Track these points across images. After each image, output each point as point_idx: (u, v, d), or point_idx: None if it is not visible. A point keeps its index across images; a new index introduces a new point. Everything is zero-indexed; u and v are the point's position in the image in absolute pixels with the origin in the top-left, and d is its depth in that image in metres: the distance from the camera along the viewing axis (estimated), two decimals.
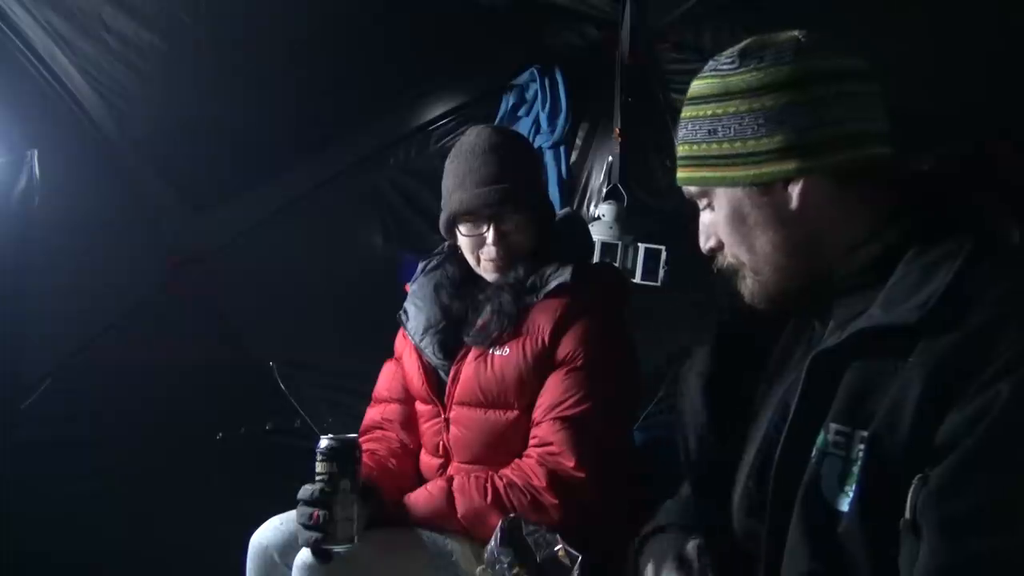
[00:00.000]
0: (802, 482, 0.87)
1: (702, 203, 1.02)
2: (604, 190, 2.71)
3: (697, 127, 0.98)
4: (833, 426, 0.86)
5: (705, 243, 1.04)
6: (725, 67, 0.96)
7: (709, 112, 0.97)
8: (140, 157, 2.52)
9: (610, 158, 2.69)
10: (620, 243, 2.42)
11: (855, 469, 0.83)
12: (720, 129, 0.95)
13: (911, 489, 0.78)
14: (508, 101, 2.90)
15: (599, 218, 2.50)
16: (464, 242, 1.66)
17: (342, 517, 1.36)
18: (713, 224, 1.01)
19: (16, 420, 2.35)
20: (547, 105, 2.81)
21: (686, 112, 1.00)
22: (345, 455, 1.38)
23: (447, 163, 1.69)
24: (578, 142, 2.96)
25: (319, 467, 1.37)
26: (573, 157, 2.94)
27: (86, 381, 2.46)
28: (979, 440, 0.75)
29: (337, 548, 1.37)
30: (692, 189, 1.02)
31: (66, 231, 2.37)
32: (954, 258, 0.84)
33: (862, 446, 0.82)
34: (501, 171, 1.61)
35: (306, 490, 1.38)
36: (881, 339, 0.84)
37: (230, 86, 2.45)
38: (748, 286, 1.00)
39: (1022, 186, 0.91)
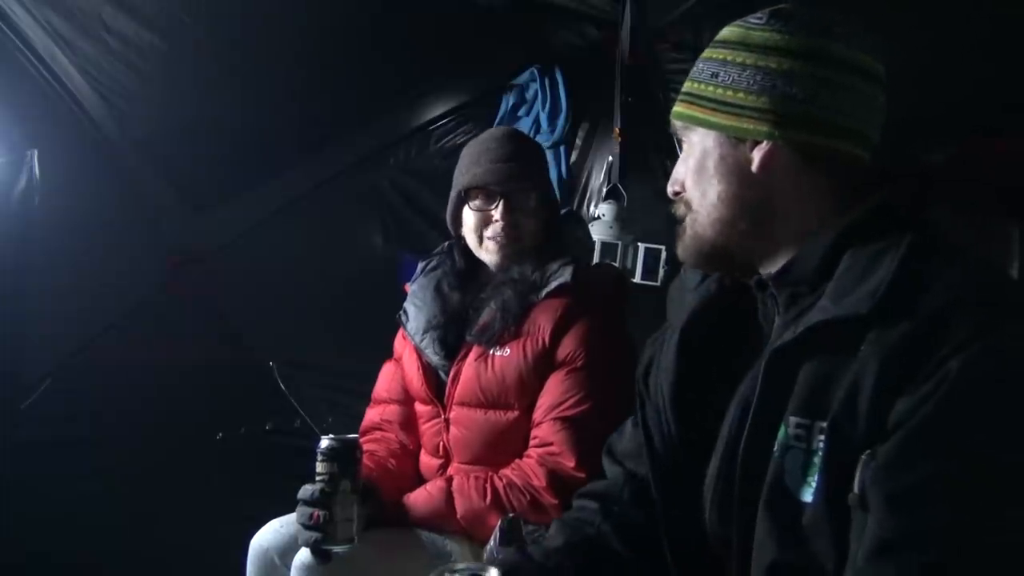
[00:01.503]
0: (766, 477, 0.88)
1: (683, 142, 1.04)
2: (604, 190, 2.71)
3: (705, 67, 1.00)
4: (793, 419, 0.87)
5: (671, 186, 1.05)
6: (753, 20, 0.98)
7: (720, 56, 0.99)
8: (140, 157, 2.52)
9: (610, 158, 2.69)
10: (620, 243, 2.42)
11: (816, 460, 0.84)
12: (722, 74, 0.98)
13: (860, 464, 0.79)
14: (508, 101, 2.90)
15: (599, 218, 2.50)
16: (470, 220, 1.66)
17: (342, 518, 1.36)
18: (683, 166, 1.03)
19: (16, 420, 2.35)
20: (547, 105, 2.81)
21: (704, 52, 1.02)
22: (346, 455, 1.37)
23: (463, 152, 1.73)
24: (578, 142, 2.96)
25: (319, 467, 1.37)
26: (573, 157, 2.94)
27: (86, 381, 2.47)
28: (927, 416, 0.76)
29: (337, 548, 1.37)
30: (677, 124, 1.03)
31: (66, 231, 2.37)
32: (896, 248, 0.85)
33: (822, 437, 0.83)
34: (515, 153, 1.66)
35: (306, 490, 1.38)
36: (834, 331, 0.85)
37: (230, 86, 2.45)
38: (683, 238, 1.02)
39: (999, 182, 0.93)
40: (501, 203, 1.62)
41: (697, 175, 1.00)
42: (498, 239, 1.63)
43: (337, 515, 1.35)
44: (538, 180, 1.70)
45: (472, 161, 1.67)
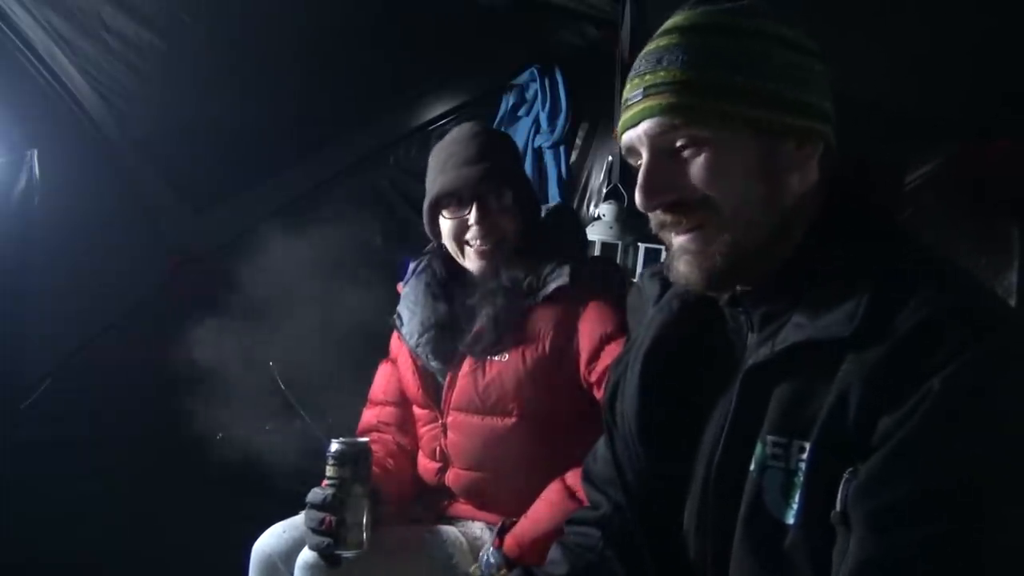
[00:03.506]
0: (743, 497, 0.86)
1: (678, 140, 0.89)
2: (604, 190, 2.71)
3: (712, 55, 0.88)
4: (770, 438, 0.85)
5: (659, 195, 0.91)
6: (748, 13, 0.91)
7: (730, 44, 0.89)
8: (140, 157, 2.52)
9: (610, 158, 2.69)
10: (620, 243, 2.42)
11: (797, 480, 0.82)
12: (747, 66, 0.87)
13: (842, 482, 0.78)
14: (508, 101, 2.90)
15: (599, 218, 2.50)
16: (447, 228, 1.61)
17: (353, 522, 1.34)
18: (682, 169, 0.90)
19: (16, 420, 2.35)
20: (547, 105, 2.82)
21: (684, 38, 0.90)
22: (358, 460, 1.36)
23: (430, 158, 1.67)
24: (578, 142, 2.96)
25: (330, 471, 1.35)
26: (573, 157, 2.94)
27: (86, 381, 2.46)
28: (909, 433, 0.75)
29: (347, 553, 1.35)
30: (675, 122, 0.88)
31: (66, 231, 2.37)
32: (873, 263, 0.84)
33: (802, 456, 0.82)
34: (482, 152, 1.58)
35: (317, 494, 1.36)
36: (812, 351, 0.83)
37: (230, 86, 2.45)
38: (695, 254, 0.91)
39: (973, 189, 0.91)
40: (475, 207, 1.56)
41: (730, 175, 0.88)
42: (478, 244, 1.58)
43: (348, 520, 1.34)
44: (511, 176, 1.61)
45: (439, 168, 1.61)
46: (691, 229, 0.91)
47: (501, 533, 1.47)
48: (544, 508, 1.47)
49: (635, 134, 0.92)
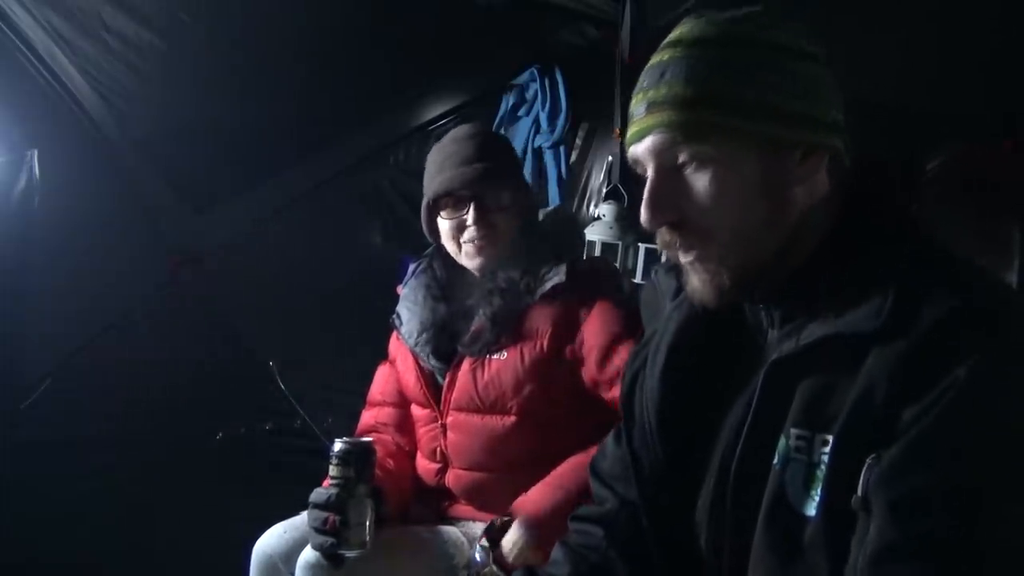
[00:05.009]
0: (766, 490, 0.86)
1: (680, 157, 0.90)
2: (604, 190, 2.71)
3: (714, 69, 0.87)
4: (793, 431, 0.85)
5: (663, 215, 0.91)
6: (752, 22, 0.90)
7: (733, 57, 0.88)
8: (140, 157, 2.53)
9: (610, 158, 2.68)
10: (620, 243, 2.41)
11: (819, 473, 0.82)
12: (750, 79, 0.87)
13: (864, 467, 0.78)
14: (508, 101, 2.90)
15: (599, 218, 2.50)
16: (445, 228, 1.62)
17: (356, 522, 1.34)
18: (685, 189, 0.90)
19: (16, 420, 2.35)
20: (547, 105, 2.82)
21: (687, 51, 0.90)
22: (362, 459, 1.36)
23: (427, 159, 1.68)
24: (578, 142, 2.96)
25: (334, 471, 1.35)
26: (573, 157, 2.93)
27: (86, 381, 2.47)
28: (933, 423, 0.75)
29: (350, 553, 1.35)
30: (677, 138, 0.89)
31: (66, 231, 2.37)
32: (894, 258, 0.84)
33: (825, 449, 0.82)
34: (480, 153, 1.59)
35: (320, 494, 1.35)
36: (837, 345, 0.83)
37: (230, 86, 2.45)
38: (703, 272, 0.92)
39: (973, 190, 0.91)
40: (472, 207, 1.57)
41: (728, 197, 0.88)
42: (475, 243, 1.59)
43: (352, 520, 1.33)
44: (508, 177, 1.63)
45: (437, 168, 1.62)
46: (694, 250, 0.92)
47: (489, 531, 1.47)
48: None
49: (639, 149, 0.93)
